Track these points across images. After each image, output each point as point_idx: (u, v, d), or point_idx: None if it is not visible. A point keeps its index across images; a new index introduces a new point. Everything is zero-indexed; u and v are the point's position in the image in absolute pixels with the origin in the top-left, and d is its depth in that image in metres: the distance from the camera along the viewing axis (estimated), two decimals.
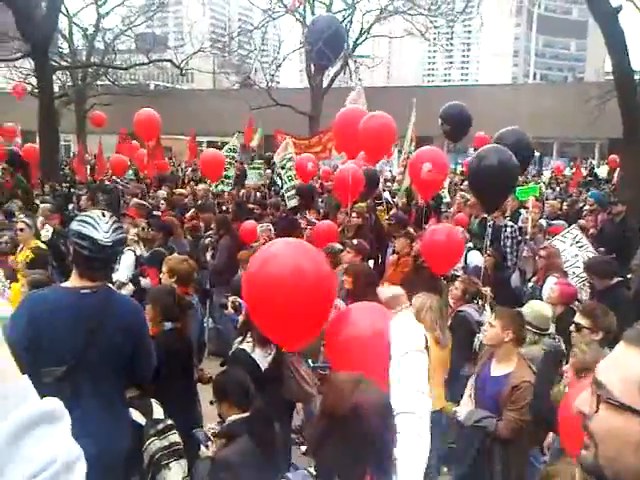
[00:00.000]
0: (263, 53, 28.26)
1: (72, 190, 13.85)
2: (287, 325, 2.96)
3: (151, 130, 12.54)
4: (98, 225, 3.04)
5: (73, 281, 3.08)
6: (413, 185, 10.43)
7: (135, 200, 9.92)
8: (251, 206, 12.23)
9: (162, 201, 11.63)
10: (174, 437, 3.41)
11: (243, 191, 13.92)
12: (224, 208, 11.40)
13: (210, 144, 32.12)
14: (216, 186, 12.05)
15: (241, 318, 4.40)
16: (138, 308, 3.41)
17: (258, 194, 13.87)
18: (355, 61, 26.90)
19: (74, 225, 3.09)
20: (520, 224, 8.71)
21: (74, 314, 2.94)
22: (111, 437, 3.03)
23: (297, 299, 2.84)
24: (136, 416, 3.41)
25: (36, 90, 18.80)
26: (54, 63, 20.08)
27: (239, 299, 6.09)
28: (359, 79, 24.32)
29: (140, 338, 3.25)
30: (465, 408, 4.19)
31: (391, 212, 10.27)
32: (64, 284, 3.14)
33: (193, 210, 10.28)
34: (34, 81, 21.40)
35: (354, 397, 1.97)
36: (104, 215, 3.17)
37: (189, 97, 27.90)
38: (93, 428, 2.92)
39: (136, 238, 7.67)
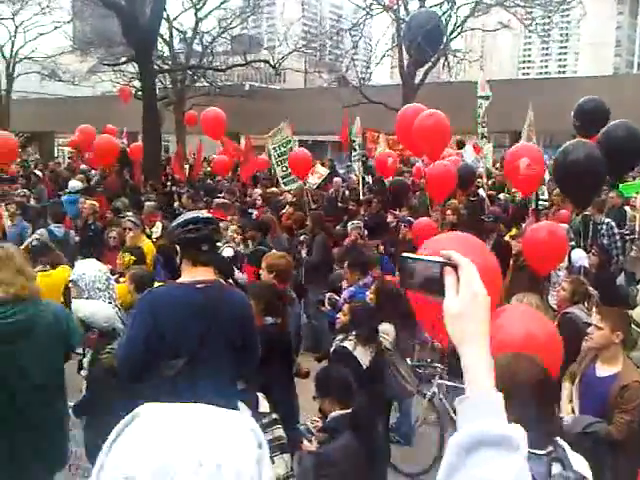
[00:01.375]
0: (356, 50, 28.23)
1: (173, 189, 14.40)
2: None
3: (218, 129, 12.89)
4: (198, 212, 3.31)
5: (186, 276, 3.21)
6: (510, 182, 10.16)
7: (217, 200, 10.14)
8: (340, 204, 12.33)
9: (258, 198, 11.90)
10: (279, 431, 3.48)
11: (332, 189, 14.00)
12: (314, 206, 11.53)
13: (302, 143, 32.62)
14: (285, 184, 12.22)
15: (343, 317, 4.43)
16: (248, 302, 3.52)
17: (347, 192, 13.92)
18: (455, 55, 26.48)
19: (176, 221, 3.31)
20: (628, 223, 8.31)
21: (191, 308, 3.07)
22: None
23: None
24: (243, 409, 3.51)
25: (140, 93, 19.69)
26: (156, 66, 20.94)
27: (335, 296, 6.15)
28: (482, 69, 23.89)
29: (250, 331, 3.35)
30: (571, 415, 4.03)
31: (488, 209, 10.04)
32: (179, 280, 3.27)
33: (290, 208, 10.42)
34: (138, 84, 22.42)
35: (539, 364, 2.25)
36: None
37: (282, 96, 28.28)
38: None
39: (235, 235, 7.89)
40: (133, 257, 6.08)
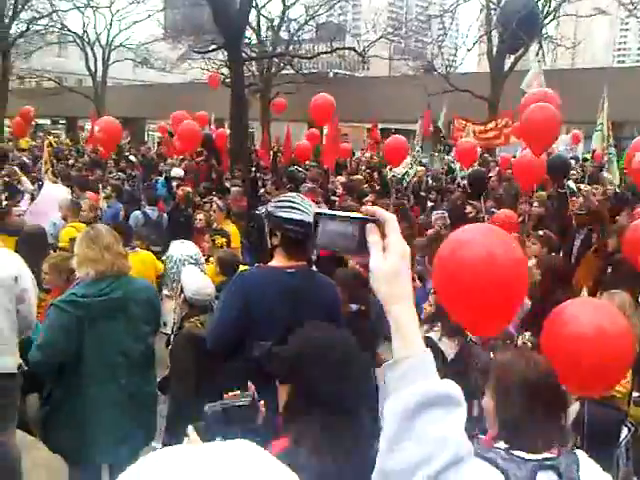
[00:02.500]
0: (444, 37, 27.69)
1: (258, 175, 14.64)
2: (478, 310, 2.92)
3: (326, 115, 12.88)
4: (304, 207, 3.14)
5: (279, 261, 3.22)
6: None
7: (307, 185, 10.24)
8: (423, 193, 12.18)
9: (339, 186, 11.92)
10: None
11: (416, 178, 13.83)
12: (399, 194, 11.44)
13: (384, 131, 32.39)
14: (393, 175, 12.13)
15: (428, 307, 4.40)
16: (336, 288, 3.53)
17: (430, 180, 13.73)
18: (552, 41, 25.58)
19: (280, 212, 3.16)
20: None
21: (281, 291, 3.10)
22: None
23: (490, 284, 2.79)
24: None
25: (228, 80, 20.08)
26: (244, 54, 21.28)
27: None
28: (539, 61, 23.08)
29: (338, 317, 3.36)
30: None
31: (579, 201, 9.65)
32: (270, 263, 3.29)
33: (371, 196, 10.41)
34: (226, 71, 22.84)
35: (543, 365, 2.18)
36: (303, 198, 3.26)
37: (366, 84, 28.15)
38: None
39: None
40: (224, 239, 6.25)
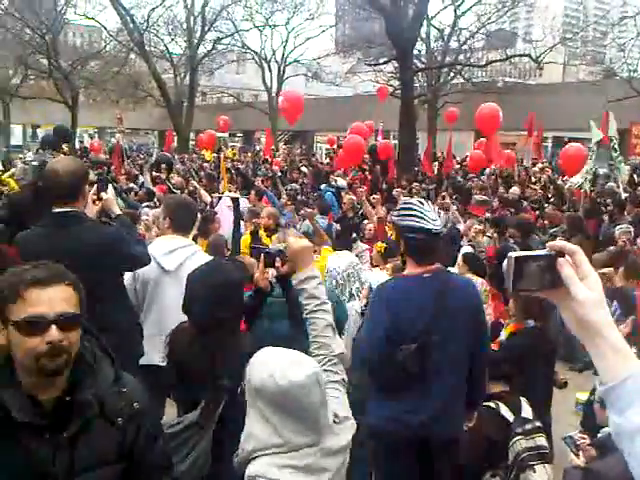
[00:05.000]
0: (634, 40, 25.68)
1: (422, 186, 14.54)
2: None
3: (491, 124, 12.53)
4: (425, 215, 3.10)
5: (412, 269, 3.21)
6: None
7: (476, 197, 10.05)
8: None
9: (495, 199, 11.47)
10: (541, 440, 3.34)
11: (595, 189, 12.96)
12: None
13: (556, 139, 30.75)
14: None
15: (625, 329, 4.13)
16: (476, 289, 3.50)
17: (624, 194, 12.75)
18: None
19: (400, 220, 3.19)
20: None
21: (421, 296, 3.10)
22: (447, 420, 3.11)
23: None
24: (504, 411, 3.46)
25: (397, 91, 20.25)
26: (414, 65, 21.33)
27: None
28: None
29: (479, 321, 3.25)
30: None
31: None
32: (405, 272, 3.30)
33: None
34: (394, 83, 23.02)
35: None
36: (422, 203, 3.20)
37: (539, 91, 26.92)
38: (433, 408, 3.06)
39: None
40: (384, 245, 6.33)
